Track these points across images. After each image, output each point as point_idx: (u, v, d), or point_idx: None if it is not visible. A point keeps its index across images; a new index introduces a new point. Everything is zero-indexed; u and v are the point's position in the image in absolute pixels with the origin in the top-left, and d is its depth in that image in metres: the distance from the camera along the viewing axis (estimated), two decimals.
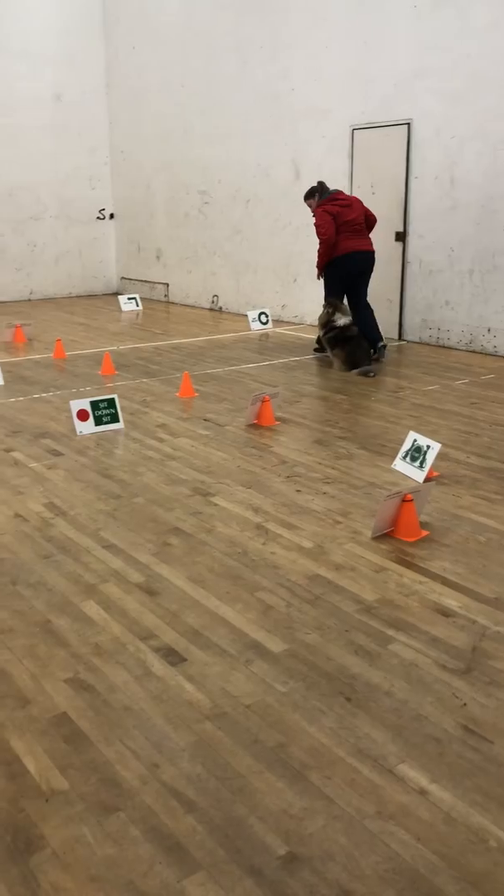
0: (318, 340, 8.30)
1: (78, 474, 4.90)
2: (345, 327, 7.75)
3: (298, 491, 4.59)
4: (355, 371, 7.61)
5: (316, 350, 8.59)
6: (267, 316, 10.39)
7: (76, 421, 5.72)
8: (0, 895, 1.91)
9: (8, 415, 6.24)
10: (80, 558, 3.74)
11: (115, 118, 13.46)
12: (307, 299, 10.58)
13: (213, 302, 12.18)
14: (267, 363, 8.25)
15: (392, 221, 9.14)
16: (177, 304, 12.79)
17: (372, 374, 7.55)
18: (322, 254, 7.93)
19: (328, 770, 2.33)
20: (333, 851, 2.04)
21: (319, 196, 8.02)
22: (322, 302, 8.11)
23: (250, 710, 2.60)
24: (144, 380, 7.44)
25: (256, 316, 10.33)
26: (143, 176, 13.06)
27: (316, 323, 8.28)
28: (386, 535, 3.97)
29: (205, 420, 6.09)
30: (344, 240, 7.85)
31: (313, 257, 8.30)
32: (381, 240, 8.69)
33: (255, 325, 10.24)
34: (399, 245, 9.16)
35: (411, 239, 9.05)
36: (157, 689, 2.72)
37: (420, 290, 9.09)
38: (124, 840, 2.08)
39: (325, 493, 4.57)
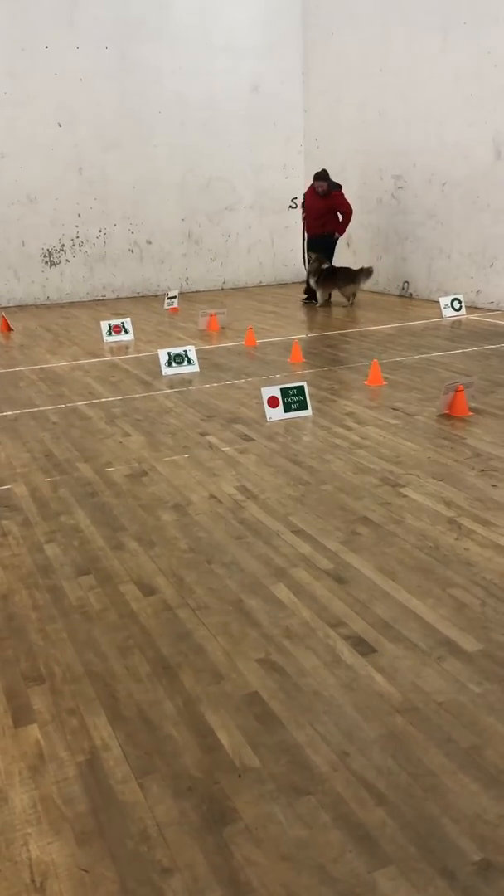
0: (307, 291, 11.44)
1: (268, 459, 4.99)
2: (329, 267, 10.95)
3: (494, 486, 4.41)
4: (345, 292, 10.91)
5: (305, 301, 11.48)
6: (460, 302, 10.04)
7: (266, 407, 5.83)
8: (197, 861, 1.99)
9: (203, 400, 6.47)
10: (270, 541, 3.81)
11: (311, 106, 13.50)
12: None
13: (402, 288, 11.95)
14: (460, 351, 7.99)
15: None
16: (365, 290, 12.64)
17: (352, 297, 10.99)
18: (347, 224, 11.06)
19: None
20: None
21: (329, 182, 10.78)
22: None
23: (442, 708, 2.54)
24: (332, 368, 7.44)
25: (449, 302, 10.01)
26: (336, 163, 13.00)
27: None
28: None
29: (394, 409, 6.00)
30: None
31: None
32: None
33: (448, 312, 9.93)
34: None
35: None
36: (346, 678, 2.71)
37: None
38: (315, 824, 2.10)
39: None
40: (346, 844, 2.03)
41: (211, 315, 9.67)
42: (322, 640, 2.95)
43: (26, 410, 6.32)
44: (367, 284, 12.50)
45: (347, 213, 10.99)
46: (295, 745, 2.39)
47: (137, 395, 6.67)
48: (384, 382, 6.75)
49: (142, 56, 12.32)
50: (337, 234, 11.13)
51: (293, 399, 5.88)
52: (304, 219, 11.23)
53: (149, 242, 13.09)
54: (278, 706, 2.58)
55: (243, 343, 8.68)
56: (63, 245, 12.52)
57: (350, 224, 11.23)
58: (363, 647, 2.89)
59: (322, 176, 10.86)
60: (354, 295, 11.06)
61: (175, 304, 11.34)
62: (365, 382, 6.79)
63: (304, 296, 11.62)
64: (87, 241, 12.66)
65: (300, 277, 14.27)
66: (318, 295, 11.18)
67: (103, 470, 4.89)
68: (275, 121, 13.49)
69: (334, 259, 11.26)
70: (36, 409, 6.34)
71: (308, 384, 6.09)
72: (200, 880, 1.94)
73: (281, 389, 5.87)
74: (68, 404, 6.46)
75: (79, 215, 12.49)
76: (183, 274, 13.43)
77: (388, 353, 7.95)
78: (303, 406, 5.90)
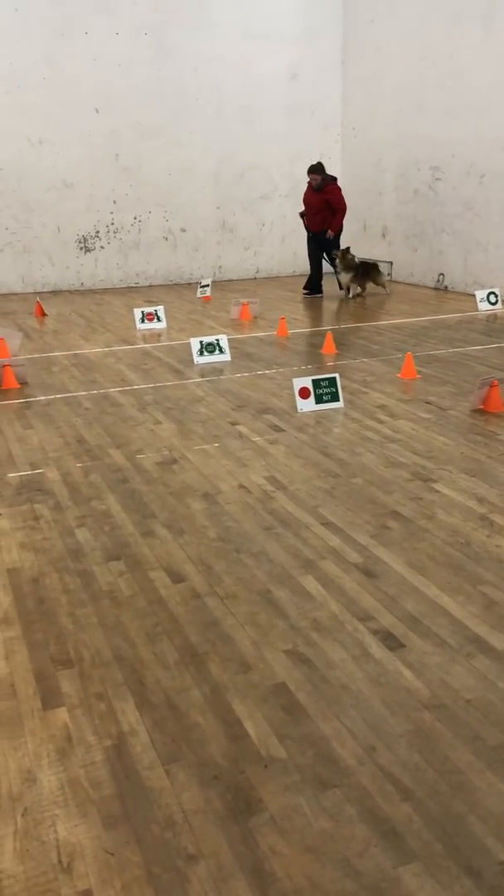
0: (315, 287, 11.28)
1: (298, 451, 4.98)
2: (362, 262, 11.07)
3: None
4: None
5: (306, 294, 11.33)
6: (496, 296, 9.92)
7: (298, 398, 5.81)
8: (221, 849, 2.00)
9: (234, 389, 6.46)
10: (299, 533, 3.81)
11: (349, 95, 13.38)
12: None
13: (438, 281, 11.84)
14: (495, 346, 7.89)
15: None
16: (400, 282, 12.57)
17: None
18: (342, 220, 10.74)
19: None
20: None
21: (324, 176, 10.53)
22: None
23: (471, 706, 2.52)
24: (365, 359, 7.40)
25: (485, 296, 9.89)
26: (373, 153, 12.91)
27: None
28: None
29: (427, 403, 5.95)
30: None
31: None
32: None
33: (484, 306, 9.82)
34: None
35: None
36: (374, 672, 2.70)
37: None
38: (340, 817, 2.09)
39: None
40: (372, 839, 2.02)
41: (243, 304, 9.66)
42: (350, 633, 2.94)
43: (59, 396, 6.36)
44: (400, 276, 12.52)
45: (340, 209, 10.66)
46: (321, 738, 2.39)
47: (169, 384, 6.69)
48: (417, 375, 6.70)
49: (180, 43, 12.29)
50: (329, 233, 10.76)
51: (325, 390, 5.85)
52: (304, 215, 11.01)
53: (183, 230, 13.09)
54: (305, 698, 2.58)
55: (275, 333, 8.66)
56: (98, 231, 12.57)
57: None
58: (392, 641, 2.88)
59: (316, 169, 10.53)
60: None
61: (208, 293, 11.33)
62: (398, 375, 6.74)
63: (308, 291, 11.39)
64: (121, 227, 12.69)
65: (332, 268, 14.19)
66: (348, 288, 11.00)
67: (134, 457, 4.91)
68: (312, 109, 13.39)
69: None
70: (69, 395, 6.38)
71: (340, 376, 6.06)
72: (225, 868, 1.95)
73: (312, 380, 5.85)
74: (101, 390, 6.49)
75: (114, 202, 12.53)
76: (216, 262, 13.42)
77: (421, 346, 7.88)
78: (334, 398, 5.88)
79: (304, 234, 13.98)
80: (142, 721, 2.48)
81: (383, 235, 12.96)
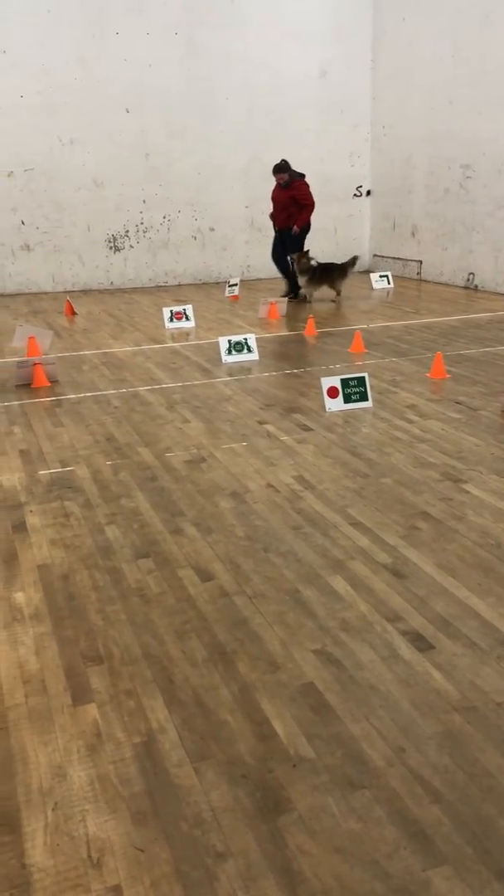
0: (294, 288, 10.75)
1: (326, 450, 4.97)
2: (319, 264, 10.56)
3: None
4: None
5: (291, 298, 10.68)
6: None
7: (326, 398, 5.79)
8: (250, 847, 2.00)
9: (262, 388, 6.46)
10: (327, 533, 3.80)
11: (379, 93, 13.32)
12: None
13: (468, 280, 11.75)
14: None
15: None
16: (429, 281, 12.49)
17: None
18: (308, 217, 10.45)
19: None
20: None
21: (290, 172, 10.30)
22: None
23: (501, 709, 2.50)
24: (394, 359, 7.36)
25: None
26: (403, 151, 12.84)
27: None
28: None
29: (457, 403, 5.90)
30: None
31: None
32: None
33: None
34: None
35: None
36: (403, 673, 2.69)
37: None
38: (369, 818, 2.08)
39: None
40: (401, 841, 2.01)
41: (271, 303, 9.65)
42: (379, 634, 2.93)
43: (89, 394, 6.41)
44: (430, 275, 12.37)
45: (307, 204, 10.36)
46: (350, 738, 2.38)
47: (197, 382, 6.70)
48: (447, 375, 6.65)
49: (210, 42, 12.31)
50: (295, 229, 10.39)
51: (353, 390, 5.83)
52: (272, 213, 10.76)
53: (212, 229, 13.11)
54: (334, 698, 2.57)
55: (303, 332, 8.64)
56: (127, 231, 12.64)
57: (313, 215, 10.57)
58: (421, 643, 2.86)
59: (281, 168, 10.28)
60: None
61: (236, 292, 11.34)
62: (427, 375, 6.70)
63: (291, 294, 10.86)
64: (150, 227, 12.75)
65: (362, 267, 14.12)
66: (307, 293, 10.64)
67: (163, 455, 4.93)
68: (342, 108, 13.35)
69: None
70: (99, 393, 6.42)
71: (369, 375, 6.04)
72: (253, 867, 1.95)
73: (341, 380, 5.83)
74: (130, 389, 6.53)
75: (143, 201, 12.59)
76: (244, 261, 13.43)
77: (451, 346, 7.83)
78: (363, 397, 5.85)
79: (333, 232, 13.99)
80: (171, 718, 2.49)
81: (413, 234, 12.89)
